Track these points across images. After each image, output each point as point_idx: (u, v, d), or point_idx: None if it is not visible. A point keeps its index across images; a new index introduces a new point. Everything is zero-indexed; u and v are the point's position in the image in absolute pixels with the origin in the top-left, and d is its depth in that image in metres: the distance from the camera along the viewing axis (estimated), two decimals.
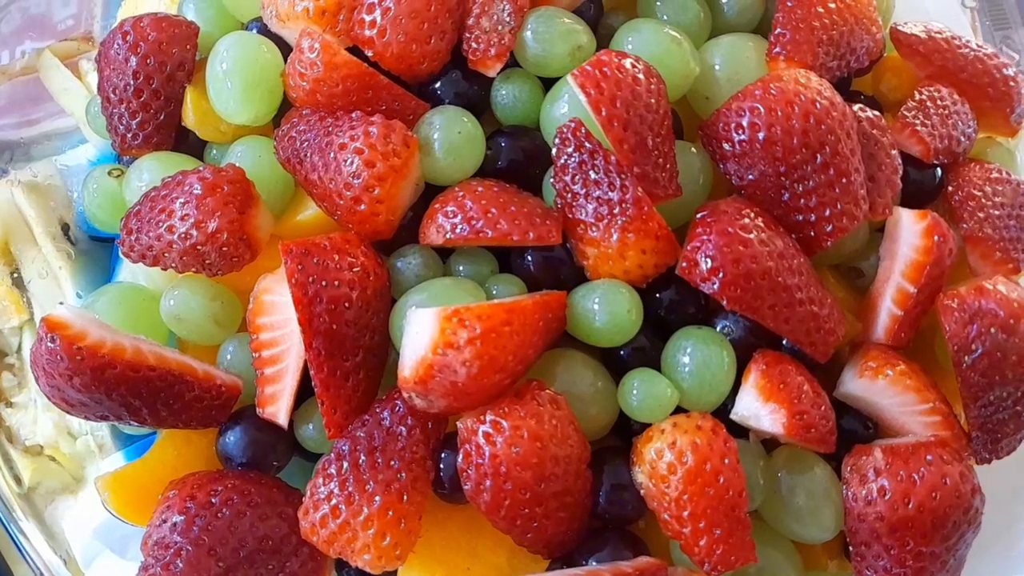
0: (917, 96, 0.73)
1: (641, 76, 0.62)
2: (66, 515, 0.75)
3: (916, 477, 0.60)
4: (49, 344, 0.58)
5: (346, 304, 0.59)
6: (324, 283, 0.59)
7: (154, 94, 0.69)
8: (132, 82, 0.69)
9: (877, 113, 0.70)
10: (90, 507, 0.70)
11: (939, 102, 0.73)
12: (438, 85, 0.68)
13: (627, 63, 0.62)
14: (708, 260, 0.60)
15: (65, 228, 0.85)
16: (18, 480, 0.79)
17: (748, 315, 0.61)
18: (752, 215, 0.62)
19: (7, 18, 0.98)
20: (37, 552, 0.74)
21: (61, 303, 0.74)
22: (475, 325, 0.55)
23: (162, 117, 0.70)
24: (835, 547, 0.69)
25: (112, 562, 0.70)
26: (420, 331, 0.56)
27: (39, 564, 0.73)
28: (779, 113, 0.63)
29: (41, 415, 0.84)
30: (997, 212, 0.70)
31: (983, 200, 0.71)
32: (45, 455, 0.83)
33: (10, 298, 0.82)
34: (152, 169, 0.68)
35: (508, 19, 0.66)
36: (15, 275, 0.85)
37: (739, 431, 0.63)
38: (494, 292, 0.63)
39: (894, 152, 0.69)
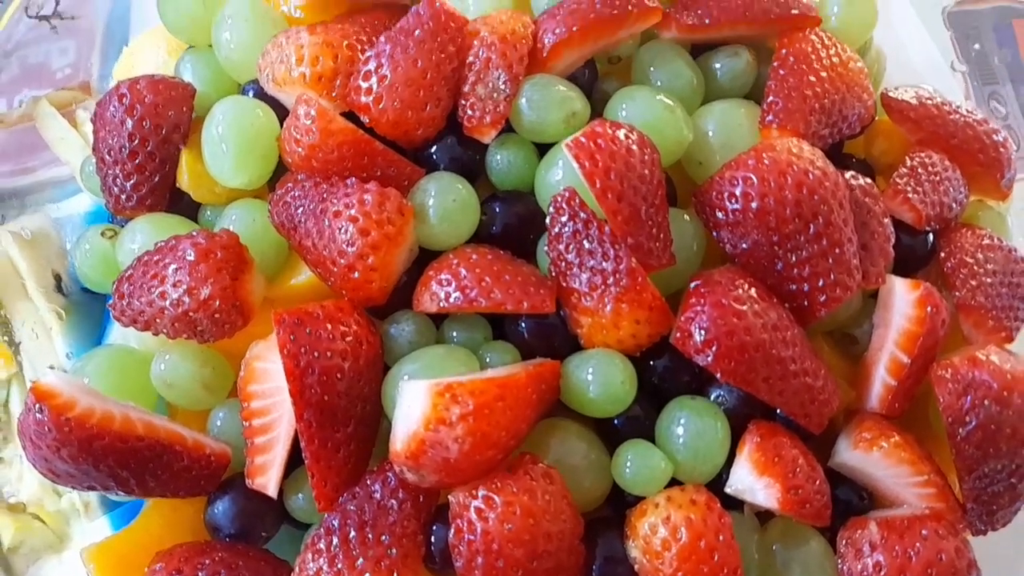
0: (908, 162, 0.73)
1: (635, 147, 0.62)
2: None
3: (912, 553, 0.60)
4: (37, 415, 0.57)
5: (338, 375, 0.59)
6: (316, 354, 0.59)
7: (149, 156, 0.69)
8: (127, 144, 0.69)
9: (869, 181, 0.70)
10: (69, 570, 0.68)
11: (931, 168, 0.73)
12: (434, 150, 0.69)
13: (621, 134, 0.63)
14: (702, 332, 0.60)
15: (58, 279, 0.85)
16: None
17: (742, 387, 0.61)
18: (746, 286, 0.62)
19: (6, 67, 0.98)
20: None
21: (51, 367, 0.74)
22: (468, 401, 0.55)
23: (157, 179, 0.70)
24: None
25: None
26: (412, 405, 0.56)
27: None
28: (772, 183, 0.63)
29: (27, 472, 0.83)
30: (989, 280, 0.71)
31: (975, 268, 0.71)
32: (28, 513, 0.82)
33: None
34: (145, 231, 0.68)
35: (503, 87, 0.66)
36: (4, 327, 0.84)
37: (734, 501, 0.63)
38: (487, 360, 0.63)
39: (886, 220, 0.69)
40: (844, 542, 0.63)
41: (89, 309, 0.83)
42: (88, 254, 0.72)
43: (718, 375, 0.60)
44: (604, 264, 0.61)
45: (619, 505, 0.63)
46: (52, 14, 0.97)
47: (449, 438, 0.54)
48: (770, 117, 0.69)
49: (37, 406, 0.57)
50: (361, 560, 0.57)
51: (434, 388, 0.55)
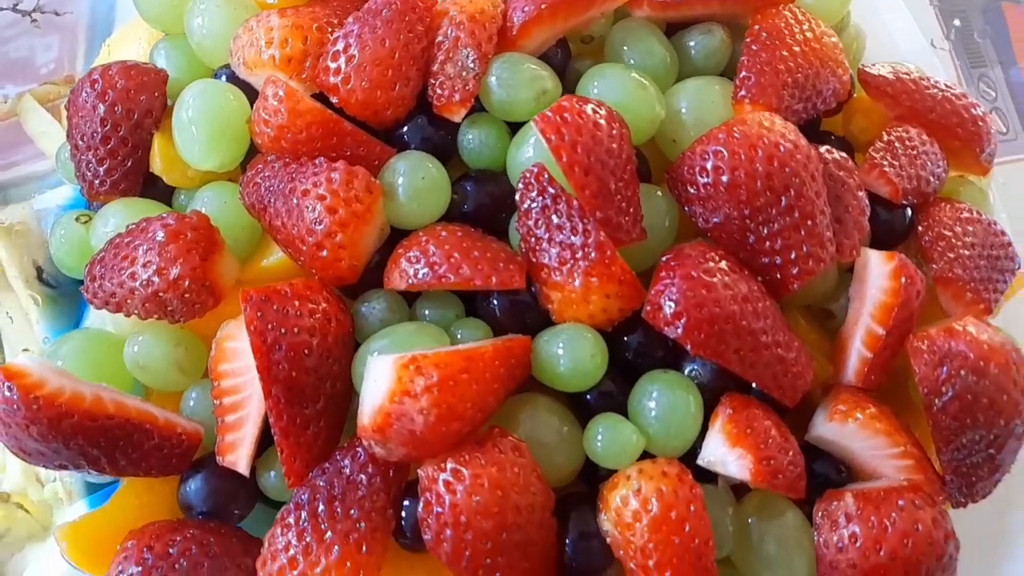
0: (885, 137, 0.73)
1: (603, 121, 0.62)
2: (31, 565, 0.74)
3: (887, 523, 0.59)
4: (6, 393, 0.57)
5: (306, 351, 0.59)
6: (283, 330, 0.59)
7: (121, 141, 0.70)
8: (100, 129, 0.69)
9: (844, 155, 0.70)
10: (52, 558, 0.69)
11: (907, 143, 0.73)
12: (404, 131, 0.69)
13: (588, 108, 0.62)
14: (671, 304, 0.60)
15: (39, 271, 0.85)
16: None
17: (713, 360, 0.60)
18: (716, 258, 0.62)
19: None
20: None
21: (26, 350, 0.74)
22: (432, 372, 0.55)
23: (129, 164, 0.70)
24: None
25: None
26: (378, 379, 0.56)
27: None
28: (742, 156, 0.63)
29: (10, 461, 0.83)
30: (967, 252, 0.70)
31: (953, 240, 0.70)
32: (13, 502, 0.82)
33: None
34: (118, 215, 0.68)
35: (472, 65, 0.66)
36: None
37: (709, 476, 0.62)
38: (459, 336, 0.63)
39: (861, 194, 0.69)
40: (820, 514, 0.62)
41: (68, 298, 0.83)
42: (63, 239, 0.73)
43: (688, 347, 0.60)
44: (573, 238, 0.61)
45: (592, 481, 0.63)
46: (34, 8, 0.98)
47: (414, 410, 0.54)
48: (742, 92, 0.69)
49: (6, 385, 0.57)
50: (330, 534, 0.57)
51: (399, 361, 0.55)
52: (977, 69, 1.18)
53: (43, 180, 0.92)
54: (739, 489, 0.65)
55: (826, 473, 0.65)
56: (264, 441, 0.63)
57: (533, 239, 0.62)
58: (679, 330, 0.60)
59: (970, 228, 0.72)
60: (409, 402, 0.54)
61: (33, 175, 0.95)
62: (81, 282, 0.81)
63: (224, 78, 0.71)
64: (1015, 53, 1.18)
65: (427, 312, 0.65)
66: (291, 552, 0.57)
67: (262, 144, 0.67)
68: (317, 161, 0.63)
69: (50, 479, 0.81)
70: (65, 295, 0.84)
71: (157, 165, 0.70)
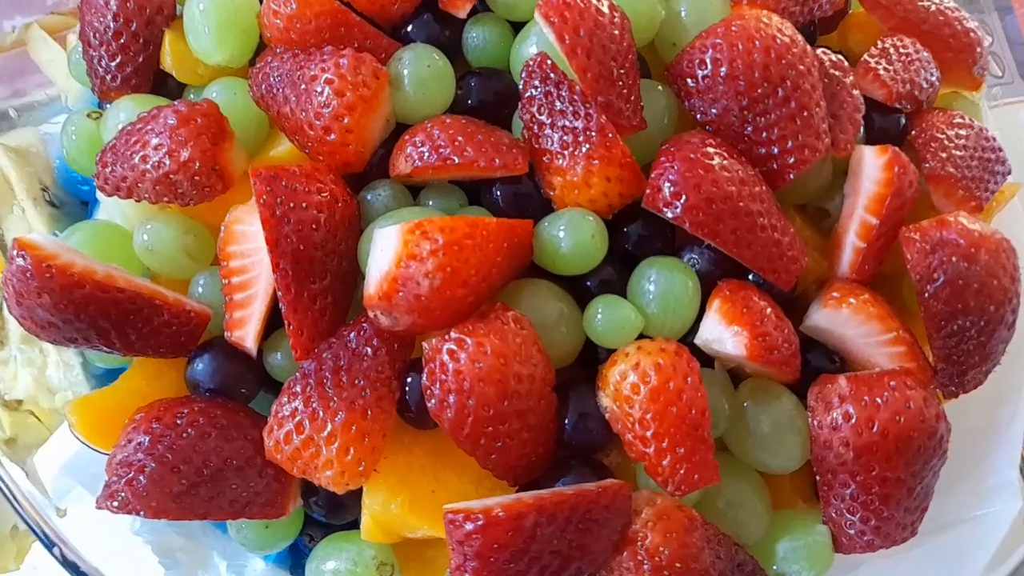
0: (880, 44, 0.75)
1: (605, 9, 0.64)
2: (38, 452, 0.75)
3: (880, 401, 0.61)
4: (19, 262, 0.58)
5: (314, 226, 0.60)
6: (292, 204, 0.60)
7: (133, 37, 0.71)
8: (112, 24, 0.70)
9: (840, 56, 0.71)
10: (60, 444, 0.70)
11: (901, 49, 0.74)
12: (410, 28, 0.70)
13: None
14: (670, 185, 0.61)
15: (44, 190, 0.86)
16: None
17: (710, 240, 0.62)
18: (715, 144, 0.63)
19: None
20: (24, 495, 0.73)
21: None
22: (438, 236, 0.56)
23: (141, 60, 0.71)
24: (805, 487, 0.68)
25: (84, 500, 0.70)
26: (384, 247, 0.57)
27: (26, 507, 0.72)
28: (740, 47, 0.64)
29: (21, 370, 0.85)
30: (960, 153, 0.72)
31: (945, 142, 0.72)
32: (24, 410, 0.83)
33: None
34: (129, 109, 0.70)
35: None
36: None
37: (705, 362, 0.64)
38: None
39: (856, 92, 0.70)
40: (814, 397, 0.63)
41: (70, 219, 0.84)
42: (74, 135, 0.74)
43: (686, 226, 0.61)
44: (575, 123, 0.62)
45: (591, 365, 0.64)
46: None
47: (420, 273, 0.56)
48: None
49: (20, 254, 0.58)
50: (335, 400, 0.58)
51: (405, 227, 0.56)
52: (975, 15, 1.20)
53: (50, 108, 0.94)
54: (735, 379, 0.66)
55: (820, 364, 0.67)
56: (271, 323, 0.64)
57: (536, 126, 0.64)
58: (678, 210, 0.61)
59: (962, 132, 0.73)
60: (415, 266, 0.56)
61: (41, 103, 0.96)
62: (84, 201, 0.84)
63: None
64: None
65: (431, 202, 0.66)
66: (297, 418, 0.58)
67: (272, 37, 0.68)
68: (325, 49, 0.64)
69: (61, 388, 0.82)
70: (68, 215, 0.85)
71: (168, 62, 0.72)
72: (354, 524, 0.65)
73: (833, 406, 0.62)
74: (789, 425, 0.63)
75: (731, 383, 0.65)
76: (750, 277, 0.66)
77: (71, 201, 0.86)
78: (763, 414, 0.63)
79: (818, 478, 0.64)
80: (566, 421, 0.62)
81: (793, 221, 0.71)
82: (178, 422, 0.60)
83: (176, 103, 0.65)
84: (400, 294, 0.56)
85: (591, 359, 0.64)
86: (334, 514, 0.65)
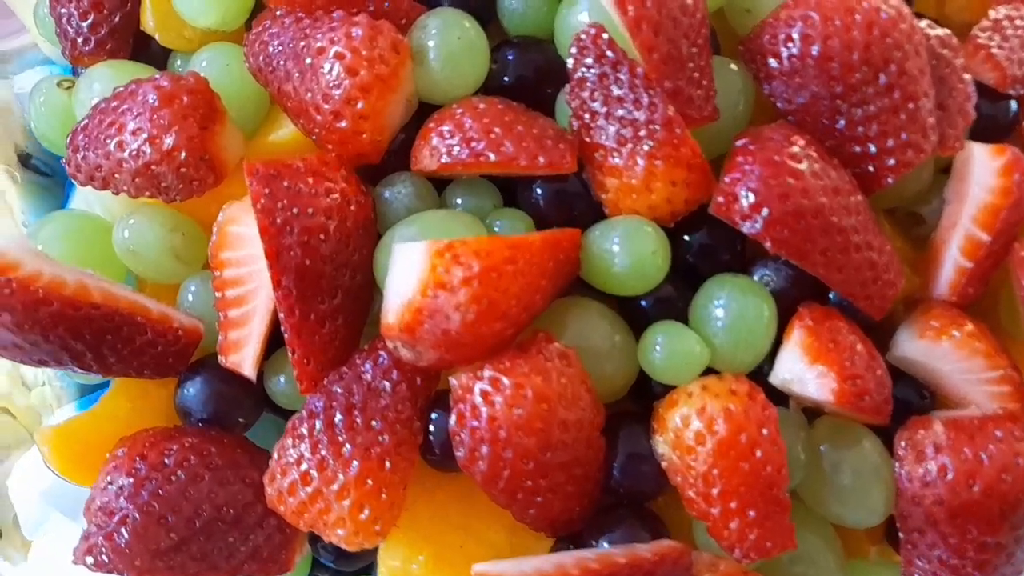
0: (992, 15, 0.63)
1: None
2: (15, 472, 0.67)
3: (984, 456, 0.52)
4: None
5: (322, 236, 0.51)
6: (296, 210, 0.50)
7: None
8: None
9: (948, 31, 0.60)
10: (37, 466, 0.62)
11: (1018, 22, 0.63)
12: None
13: None
14: (750, 195, 0.51)
15: (27, 156, 0.76)
16: None
17: (795, 261, 0.52)
18: (803, 143, 0.53)
19: None
20: None
21: None
22: (472, 263, 0.46)
23: (117, 19, 0.61)
24: (878, 531, 0.60)
25: (64, 527, 0.62)
26: (407, 269, 0.48)
27: None
28: (837, 23, 0.53)
29: None
30: None
31: None
32: None
33: None
34: (105, 79, 0.59)
35: None
36: None
37: (777, 397, 0.55)
38: (496, 228, 0.54)
39: (967, 77, 0.59)
40: (904, 443, 0.55)
41: (61, 188, 0.74)
42: (43, 107, 0.63)
43: (768, 246, 0.51)
44: (636, 113, 0.52)
45: (644, 398, 0.55)
46: None
47: (450, 305, 0.46)
48: None
49: None
50: (348, 447, 0.49)
51: (433, 248, 0.47)
52: None
53: (24, 57, 0.83)
54: (807, 412, 0.57)
55: (907, 398, 0.58)
56: (273, 340, 0.55)
57: (587, 114, 0.53)
58: (759, 225, 0.51)
59: None
60: (444, 296, 0.46)
61: (14, 51, 0.85)
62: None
63: None
64: None
65: (459, 200, 0.56)
66: (304, 466, 0.50)
67: None
68: (335, 15, 0.54)
69: (37, 383, 0.74)
70: (59, 184, 0.75)
71: (149, 22, 0.61)
72: (369, 568, 0.57)
73: (927, 456, 0.53)
74: (873, 475, 0.55)
75: (806, 423, 0.56)
76: (831, 295, 0.56)
77: (61, 169, 0.76)
78: (843, 462, 0.55)
79: (901, 534, 0.55)
80: (614, 465, 0.53)
81: (883, 228, 0.61)
82: (166, 462, 0.52)
83: (158, 77, 0.55)
84: (425, 326, 0.47)
85: (643, 390, 0.55)
86: (345, 562, 0.58)
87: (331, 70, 0.52)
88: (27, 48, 0.82)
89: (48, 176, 0.74)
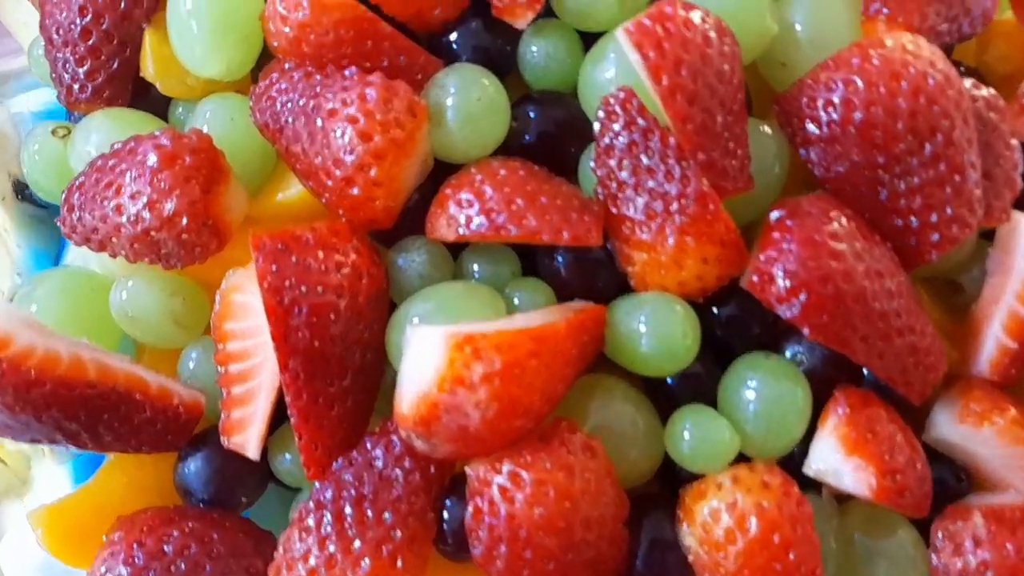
0: None
1: (713, 35, 0.49)
2: (10, 531, 0.65)
3: None
4: None
5: (332, 316, 0.48)
6: (304, 289, 0.47)
7: (105, 36, 0.56)
8: (78, 20, 0.56)
9: (994, 92, 0.57)
10: (31, 541, 0.59)
11: None
12: (454, 37, 0.55)
13: (696, 17, 0.49)
14: (788, 277, 0.48)
15: (21, 186, 0.73)
16: None
17: (834, 348, 0.49)
18: (843, 219, 0.50)
19: None
20: None
21: None
22: (494, 357, 0.43)
23: (115, 65, 0.57)
24: None
25: None
26: (423, 358, 0.44)
27: None
28: (882, 89, 0.50)
29: None
30: None
31: None
32: None
33: None
34: (102, 129, 0.56)
35: None
36: None
37: (809, 482, 0.52)
38: (515, 301, 0.51)
39: (1014, 143, 0.56)
40: (941, 535, 0.52)
41: (49, 215, 0.71)
42: (37, 156, 0.60)
43: (805, 331, 0.48)
44: (667, 186, 0.49)
45: (669, 480, 0.52)
46: None
47: (469, 403, 0.43)
48: (876, 5, 0.55)
49: None
50: (358, 543, 0.47)
51: (452, 339, 0.44)
52: None
53: (20, 79, 0.79)
54: (839, 495, 0.55)
55: (943, 479, 0.55)
56: (278, 416, 0.52)
57: (615, 184, 0.50)
58: (796, 309, 0.48)
59: None
60: (463, 393, 0.43)
61: (10, 73, 0.81)
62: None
63: None
64: None
65: (476, 268, 0.53)
66: (311, 562, 0.47)
67: (278, 47, 0.54)
68: (347, 72, 0.50)
69: None
70: (52, 216, 0.71)
71: (149, 69, 0.57)
72: None
73: (966, 550, 0.51)
74: (909, 568, 0.52)
75: (838, 510, 0.53)
76: (865, 372, 0.53)
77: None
78: (878, 554, 0.52)
79: None
80: (637, 555, 0.50)
81: (922, 301, 0.58)
82: (165, 549, 0.49)
83: (158, 134, 0.52)
84: (442, 421, 0.44)
85: (669, 471, 0.53)
86: None
87: (343, 135, 0.48)
88: (24, 71, 0.78)
89: (44, 208, 0.70)
